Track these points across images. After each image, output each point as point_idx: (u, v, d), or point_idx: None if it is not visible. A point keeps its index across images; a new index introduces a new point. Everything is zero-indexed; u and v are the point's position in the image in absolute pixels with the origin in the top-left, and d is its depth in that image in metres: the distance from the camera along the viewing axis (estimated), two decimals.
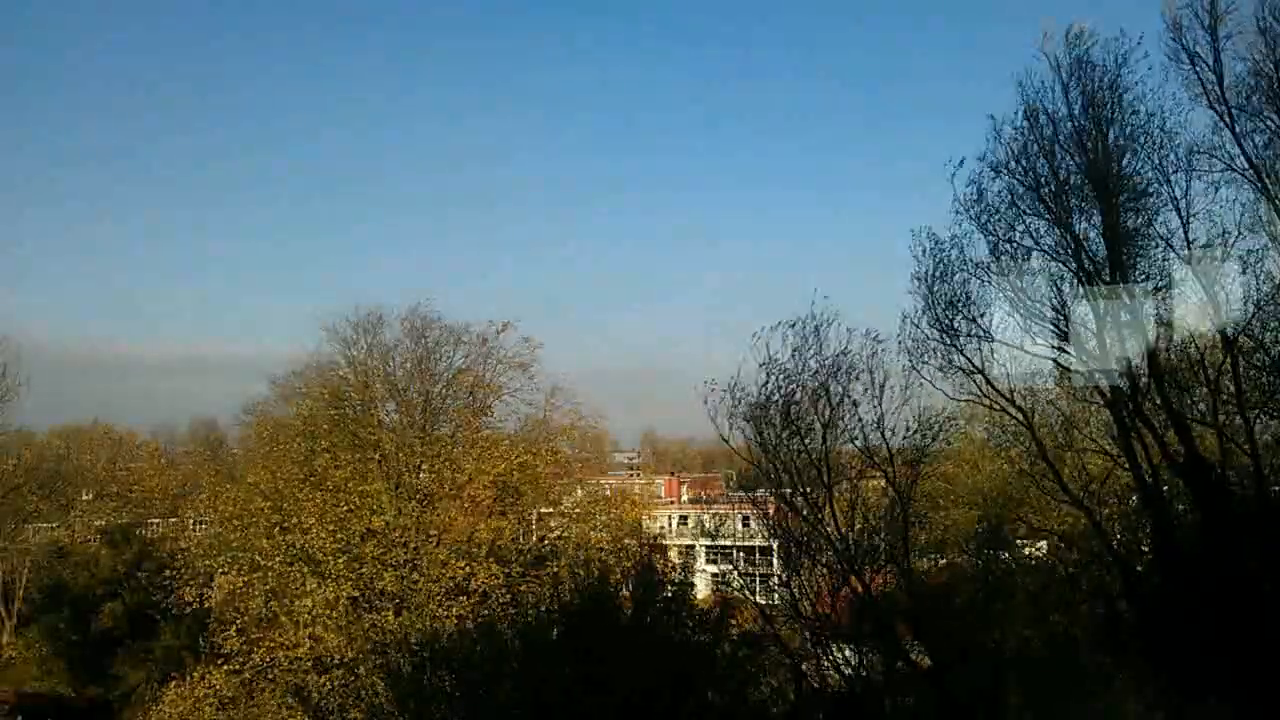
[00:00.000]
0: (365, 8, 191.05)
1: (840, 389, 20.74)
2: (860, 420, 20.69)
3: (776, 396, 21.22)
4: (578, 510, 36.36)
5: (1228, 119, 15.93)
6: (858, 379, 20.60)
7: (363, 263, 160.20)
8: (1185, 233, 16.57)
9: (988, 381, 18.49)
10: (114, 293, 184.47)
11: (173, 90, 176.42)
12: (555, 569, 30.61)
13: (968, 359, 18.37)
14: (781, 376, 21.08)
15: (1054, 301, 17.47)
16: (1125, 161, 16.86)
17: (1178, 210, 16.55)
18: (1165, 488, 17.46)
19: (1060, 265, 17.42)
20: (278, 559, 28.91)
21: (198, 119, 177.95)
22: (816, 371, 20.92)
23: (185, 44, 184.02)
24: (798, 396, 21.18)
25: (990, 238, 18.00)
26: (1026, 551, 26.52)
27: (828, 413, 20.92)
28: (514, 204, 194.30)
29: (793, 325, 20.88)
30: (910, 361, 19.20)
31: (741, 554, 39.36)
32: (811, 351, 20.86)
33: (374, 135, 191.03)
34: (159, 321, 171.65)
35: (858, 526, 21.47)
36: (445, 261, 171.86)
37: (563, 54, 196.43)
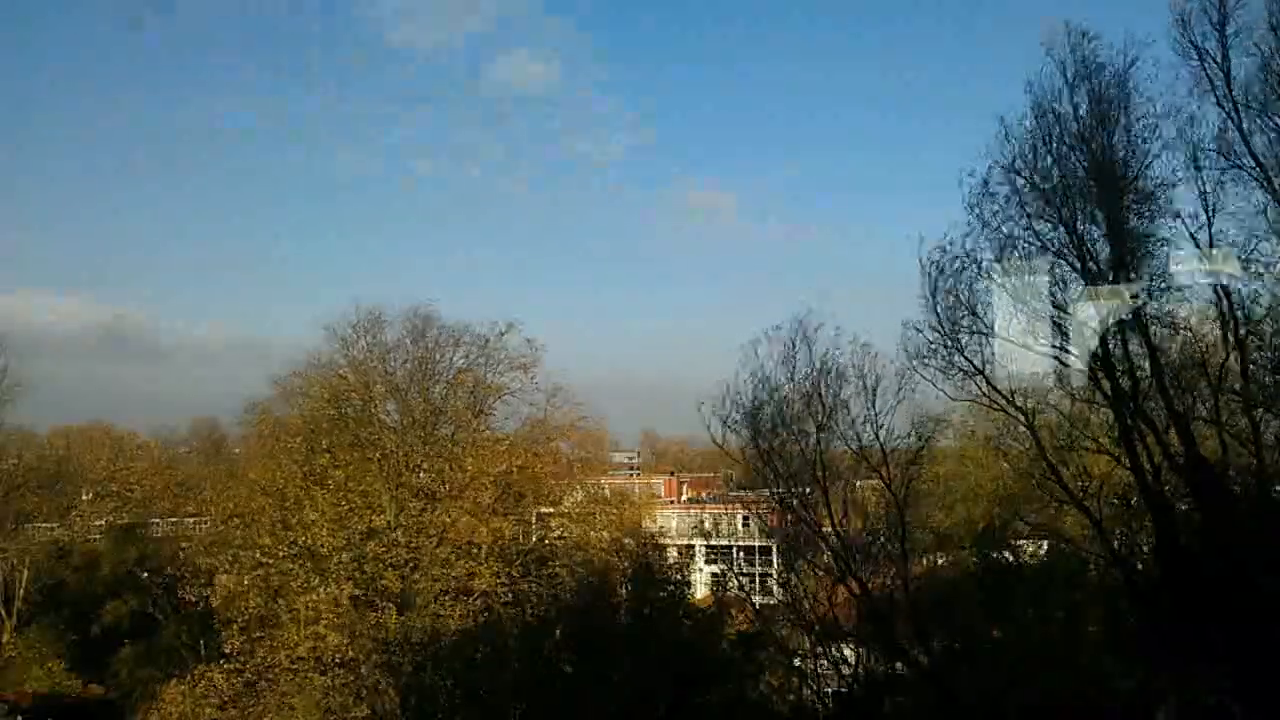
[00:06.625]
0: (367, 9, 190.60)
1: (832, 392, 20.97)
2: (854, 422, 20.89)
3: (768, 401, 21.40)
4: (578, 511, 36.38)
5: (1235, 116, 15.93)
6: (850, 382, 20.82)
7: (361, 263, 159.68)
8: (1190, 232, 16.62)
9: (989, 382, 18.56)
10: (115, 290, 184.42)
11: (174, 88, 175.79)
12: (555, 569, 30.67)
13: (969, 359, 18.45)
14: (772, 382, 21.31)
15: (1057, 301, 17.56)
16: (1130, 161, 16.90)
17: (1183, 209, 16.64)
18: (1166, 487, 17.46)
19: (1064, 265, 17.50)
20: (281, 556, 28.92)
21: (200, 117, 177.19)
22: (808, 375, 21.13)
23: (192, 44, 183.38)
24: (789, 400, 21.37)
25: (995, 238, 18.12)
26: (1027, 551, 26.55)
27: (821, 416, 21.11)
28: (514, 204, 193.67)
29: (779, 330, 21.12)
30: (911, 363, 19.29)
31: (741, 554, 39.41)
32: (801, 356, 21.09)
33: (372, 135, 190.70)
34: (159, 320, 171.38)
35: (855, 527, 21.63)
36: (444, 262, 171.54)
37: (561, 52, 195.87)
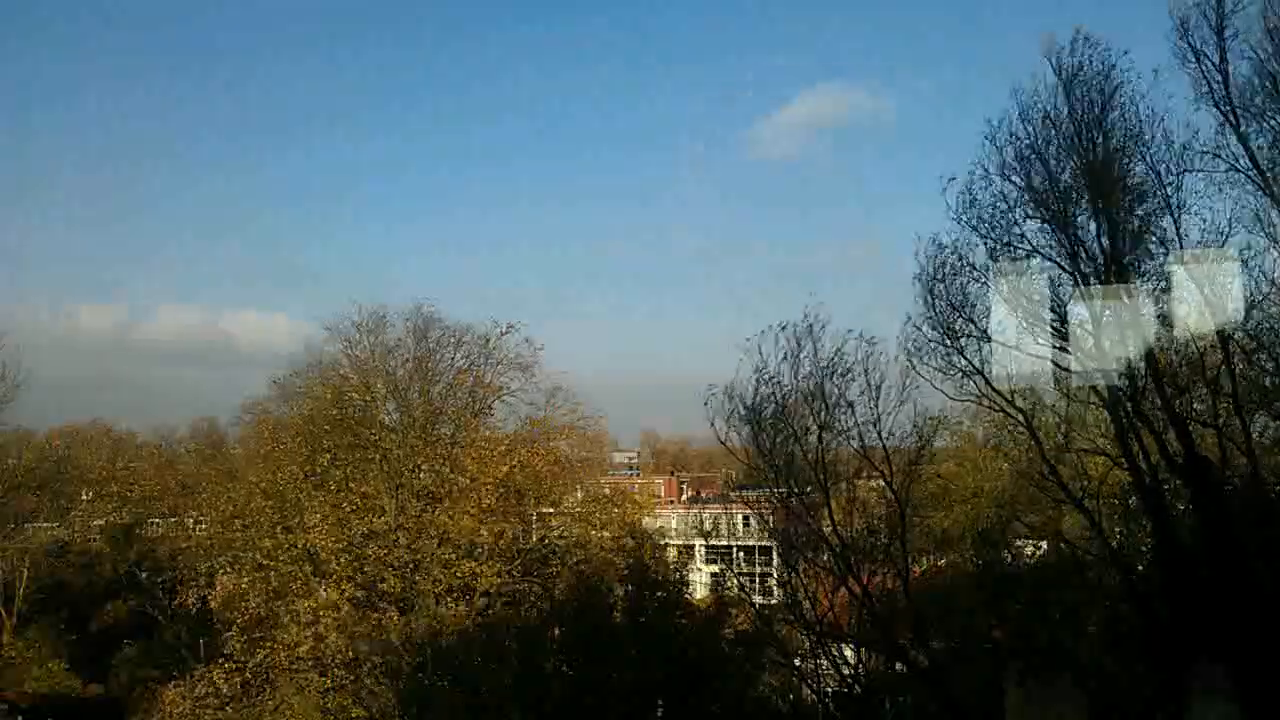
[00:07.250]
0: (368, 9, 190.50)
1: (836, 391, 20.91)
2: (857, 422, 20.84)
3: (772, 399, 21.35)
4: (578, 510, 36.41)
5: (1232, 119, 15.89)
6: (854, 381, 20.76)
7: (361, 262, 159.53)
8: (1184, 232, 16.61)
9: (988, 382, 18.56)
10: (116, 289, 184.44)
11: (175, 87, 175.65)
12: (555, 569, 30.70)
13: (968, 360, 18.45)
14: (775, 380, 21.24)
15: (1053, 303, 17.53)
16: (1124, 163, 16.86)
17: (1177, 211, 16.60)
18: (1164, 488, 17.47)
19: (1059, 267, 17.47)
20: (281, 558, 28.96)
21: (201, 116, 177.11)
22: (811, 374, 21.08)
23: (194, 44, 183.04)
24: (792, 399, 21.31)
25: (989, 241, 18.09)
26: (1027, 551, 26.57)
27: (823, 414, 21.05)
28: (513, 204, 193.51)
29: (783, 329, 21.04)
30: (910, 363, 19.29)
31: (741, 554, 39.48)
32: (806, 354, 21.03)
33: (372, 134, 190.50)
34: (159, 319, 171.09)
35: (856, 527, 21.60)
36: (444, 262, 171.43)
37: (561, 54, 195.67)
